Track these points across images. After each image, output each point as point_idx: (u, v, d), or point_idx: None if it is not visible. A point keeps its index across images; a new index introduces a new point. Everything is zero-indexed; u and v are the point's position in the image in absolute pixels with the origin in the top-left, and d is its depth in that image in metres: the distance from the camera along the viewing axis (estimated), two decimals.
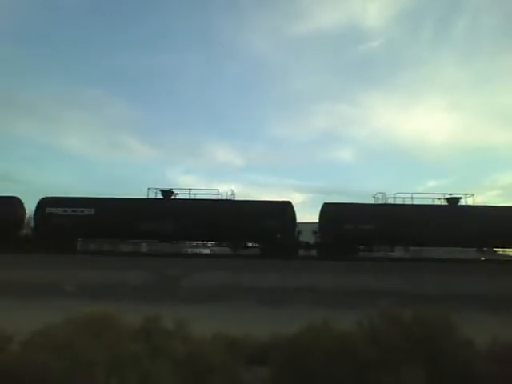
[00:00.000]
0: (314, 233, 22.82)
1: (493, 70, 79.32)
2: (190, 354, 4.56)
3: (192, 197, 23.16)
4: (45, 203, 22.38)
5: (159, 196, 23.38)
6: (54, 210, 22.04)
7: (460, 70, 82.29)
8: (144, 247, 34.68)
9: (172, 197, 23.43)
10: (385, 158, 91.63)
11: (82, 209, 22.01)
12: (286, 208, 22.20)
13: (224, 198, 23.30)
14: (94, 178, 78.60)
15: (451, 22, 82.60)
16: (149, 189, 23.18)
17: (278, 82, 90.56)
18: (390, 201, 23.22)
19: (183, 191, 23.68)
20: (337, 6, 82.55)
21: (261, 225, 21.23)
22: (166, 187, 23.48)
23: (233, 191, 23.70)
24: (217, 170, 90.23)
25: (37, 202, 22.71)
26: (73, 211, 21.95)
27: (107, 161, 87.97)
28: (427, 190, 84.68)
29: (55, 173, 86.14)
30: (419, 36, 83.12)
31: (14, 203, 23.11)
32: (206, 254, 29.22)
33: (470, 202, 23.16)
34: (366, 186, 78.87)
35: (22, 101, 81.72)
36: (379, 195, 23.46)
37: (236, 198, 23.53)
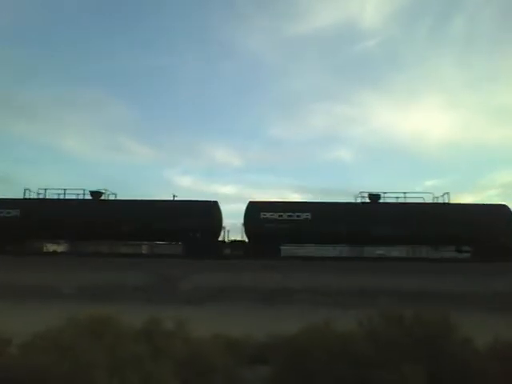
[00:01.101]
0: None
1: (491, 68, 79.46)
2: (191, 355, 4.56)
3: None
4: None
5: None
6: None
7: (458, 68, 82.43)
8: (144, 249, 34.63)
9: (102, 197, 23.33)
10: (383, 157, 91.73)
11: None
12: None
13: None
14: (92, 178, 78.51)
15: (448, 20, 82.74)
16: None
17: (275, 81, 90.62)
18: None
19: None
20: (334, 5, 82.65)
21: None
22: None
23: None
24: (215, 170, 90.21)
25: None
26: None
27: (105, 162, 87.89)
28: (426, 189, 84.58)
29: (53, 174, 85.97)
30: (416, 34, 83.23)
31: None
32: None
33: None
34: (365, 186, 78.74)
35: (20, 101, 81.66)
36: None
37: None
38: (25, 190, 22.80)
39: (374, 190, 22.85)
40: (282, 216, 21.34)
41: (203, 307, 12.23)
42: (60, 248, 27.27)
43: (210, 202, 22.71)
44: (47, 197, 23.05)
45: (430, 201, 22.65)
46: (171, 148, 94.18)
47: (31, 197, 22.98)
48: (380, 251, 31.21)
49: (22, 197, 22.92)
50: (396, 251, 31.55)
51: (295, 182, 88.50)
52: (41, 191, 22.91)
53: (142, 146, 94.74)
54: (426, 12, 79.48)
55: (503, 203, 21.98)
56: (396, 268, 17.33)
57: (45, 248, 26.68)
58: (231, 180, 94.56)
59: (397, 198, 22.27)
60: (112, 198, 23.56)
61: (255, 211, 21.75)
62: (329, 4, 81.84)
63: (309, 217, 21.21)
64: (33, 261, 18.69)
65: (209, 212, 22.03)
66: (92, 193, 23.08)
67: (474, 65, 79.40)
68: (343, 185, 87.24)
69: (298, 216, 21.33)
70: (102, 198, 23.26)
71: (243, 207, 22.71)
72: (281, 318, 9.85)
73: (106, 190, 23.31)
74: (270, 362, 4.95)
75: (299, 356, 4.53)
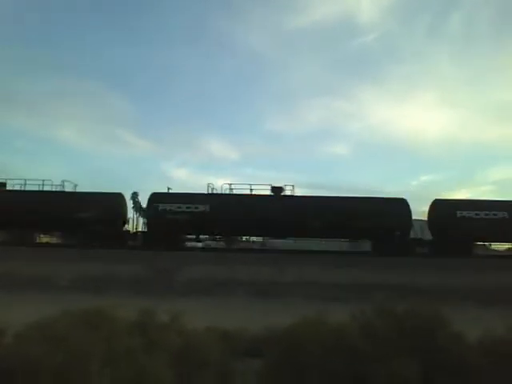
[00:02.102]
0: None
1: (487, 65, 79.55)
2: (186, 347, 4.56)
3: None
4: None
5: None
6: None
7: (455, 65, 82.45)
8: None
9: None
10: (380, 152, 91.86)
11: None
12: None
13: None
14: (90, 171, 78.13)
15: (446, 16, 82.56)
16: None
17: (273, 76, 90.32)
18: None
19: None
20: (331, 0, 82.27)
21: None
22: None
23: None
24: (212, 163, 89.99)
25: None
26: None
27: (103, 154, 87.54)
28: (421, 185, 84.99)
29: (51, 167, 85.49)
30: (414, 30, 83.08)
31: None
32: (200, 248, 29.21)
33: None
34: (361, 181, 78.96)
35: (18, 94, 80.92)
36: None
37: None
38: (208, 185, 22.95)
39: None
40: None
41: (198, 300, 12.25)
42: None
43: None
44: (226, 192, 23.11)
45: None
46: (169, 141, 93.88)
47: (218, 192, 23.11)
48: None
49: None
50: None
51: (292, 177, 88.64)
52: (225, 186, 23.00)
53: (139, 139, 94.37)
54: (423, 8, 79.33)
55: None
56: (389, 263, 17.43)
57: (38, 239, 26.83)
58: (228, 173, 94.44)
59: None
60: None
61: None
62: None
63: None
64: (30, 252, 18.62)
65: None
66: (274, 188, 22.97)
67: (472, 62, 79.58)
68: (340, 179, 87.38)
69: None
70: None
71: None
72: (275, 312, 9.88)
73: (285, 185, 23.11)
74: (263, 355, 4.97)
75: (293, 349, 4.54)
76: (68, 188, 23.82)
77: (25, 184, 23.45)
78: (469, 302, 11.72)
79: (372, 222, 20.66)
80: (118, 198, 23.14)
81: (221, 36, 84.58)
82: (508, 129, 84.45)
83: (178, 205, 21.70)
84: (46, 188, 23.43)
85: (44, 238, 27.46)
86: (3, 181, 23.84)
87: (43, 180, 23.44)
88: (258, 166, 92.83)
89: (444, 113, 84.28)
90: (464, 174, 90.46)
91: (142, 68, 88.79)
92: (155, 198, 22.46)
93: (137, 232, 23.40)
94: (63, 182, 23.76)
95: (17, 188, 23.67)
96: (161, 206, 21.73)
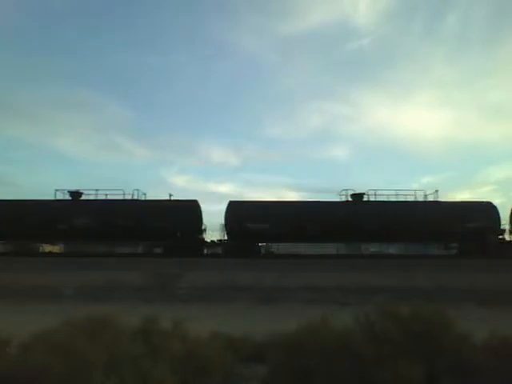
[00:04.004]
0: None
1: (484, 65, 79.70)
2: (189, 354, 4.55)
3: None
4: None
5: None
6: None
7: (452, 66, 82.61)
8: (141, 248, 34.55)
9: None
10: (379, 155, 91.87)
11: None
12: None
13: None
14: (90, 179, 78.31)
15: (441, 17, 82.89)
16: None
17: (271, 81, 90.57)
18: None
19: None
20: (327, 4, 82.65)
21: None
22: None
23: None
24: (212, 169, 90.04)
25: None
26: None
27: (102, 162, 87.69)
28: (422, 187, 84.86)
29: (50, 175, 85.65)
30: (410, 32, 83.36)
31: None
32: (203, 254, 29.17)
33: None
34: (361, 184, 78.83)
35: (16, 103, 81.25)
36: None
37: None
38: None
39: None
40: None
41: (201, 306, 12.22)
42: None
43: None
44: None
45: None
46: (168, 147, 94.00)
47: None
48: (374, 249, 31.35)
49: None
50: (393, 248, 31.58)
51: (291, 181, 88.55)
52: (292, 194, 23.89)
53: (138, 146, 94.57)
54: (419, 10, 79.68)
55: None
56: (392, 265, 17.40)
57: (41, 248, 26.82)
58: (228, 179, 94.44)
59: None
60: None
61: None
62: (323, 2, 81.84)
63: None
64: (32, 261, 18.63)
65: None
66: (354, 195, 23.38)
67: (468, 62, 79.74)
68: (339, 183, 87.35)
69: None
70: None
71: None
72: (279, 317, 9.86)
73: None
74: (268, 360, 4.95)
75: (297, 354, 4.53)
76: (135, 196, 23.57)
77: (96, 193, 23.39)
78: (472, 302, 11.66)
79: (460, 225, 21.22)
80: (195, 205, 22.85)
81: (219, 41, 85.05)
82: (508, 128, 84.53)
83: (258, 214, 21.77)
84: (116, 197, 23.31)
85: (47, 248, 27.46)
86: (78, 190, 23.67)
87: (113, 189, 23.32)
88: (257, 170, 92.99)
89: (443, 114, 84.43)
90: (465, 175, 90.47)
91: (140, 75, 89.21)
92: (234, 207, 22.48)
93: (220, 240, 23.24)
94: (135, 190, 23.53)
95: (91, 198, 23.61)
96: (240, 215, 21.79)
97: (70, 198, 23.68)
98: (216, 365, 4.55)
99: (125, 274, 15.76)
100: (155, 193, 77.37)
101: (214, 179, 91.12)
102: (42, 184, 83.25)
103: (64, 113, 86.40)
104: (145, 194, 23.78)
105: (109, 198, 23.31)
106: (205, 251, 22.96)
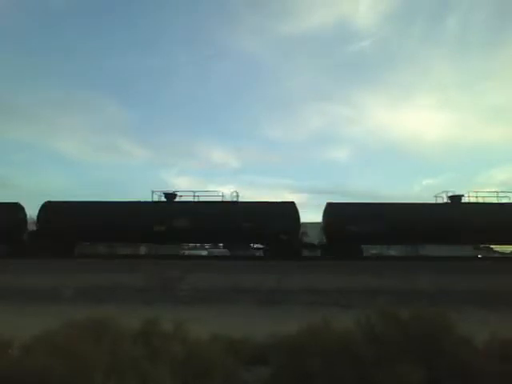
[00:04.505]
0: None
1: (484, 67, 79.81)
2: (190, 356, 4.55)
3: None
4: None
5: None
6: None
7: (453, 68, 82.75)
8: (142, 250, 34.60)
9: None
10: (380, 157, 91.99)
11: None
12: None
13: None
14: (91, 181, 78.49)
15: (442, 20, 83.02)
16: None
17: (272, 82, 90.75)
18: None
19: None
20: (328, 6, 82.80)
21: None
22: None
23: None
24: (213, 171, 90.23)
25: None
26: None
27: (103, 163, 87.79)
28: (423, 189, 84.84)
29: (51, 177, 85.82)
30: (411, 35, 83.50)
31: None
32: (204, 256, 29.22)
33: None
34: (362, 186, 78.94)
35: (17, 105, 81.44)
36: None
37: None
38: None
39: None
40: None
41: (202, 308, 12.22)
42: None
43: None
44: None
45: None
46: (168, 149, 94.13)
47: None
48: (374, 250, 31.36)
49: None
50: (393, 250, 31.60)
51: (292, 183, 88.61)
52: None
53: (138, 147, 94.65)
54: (419, 12, 79.74)
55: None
56: (396, 267, 17.37)
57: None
58: (228, 181, 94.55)
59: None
60: None
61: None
62: (322, 5, 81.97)
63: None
64: (32, 263, 18.65)
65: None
66: (452, 197, 23.18)
67: (469, 65, 79.79)
68: (341, 184, 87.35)
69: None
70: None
71: None
72: (280, 319, 9.86)
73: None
74: (269, 362, 4.95)
75: (298, 356, 4.53)
76: (228, 198, 23.28)
77: (194, 195, 23.04)
78: (473, 304, 11.64)
79: None
80: (293, 207, 22.61)
81: (219, 42, 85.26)
82: (508, 130, 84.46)
83: (359, 216, 21.59)
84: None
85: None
86: (174, 192, 23.44)
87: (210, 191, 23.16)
88: (258, 172, 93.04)
89: (443, 116, 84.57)
90: (466, 177, 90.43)
91: (139, 76, 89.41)
92: (333, 208, 22.34)
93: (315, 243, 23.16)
94: (234, 192, 23.27)
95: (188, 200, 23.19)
96: (340, 217, 21.66)
97: (165, 199, 23.39)
98: (217, 367, 4.55)
99: (126, 276, 15.77)
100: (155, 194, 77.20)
101: (215, 181, 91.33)
102: (42, 185, 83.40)
103: (64, 114, 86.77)
104: (237, 196, 23.42)
105: (202, 199, 23.07)
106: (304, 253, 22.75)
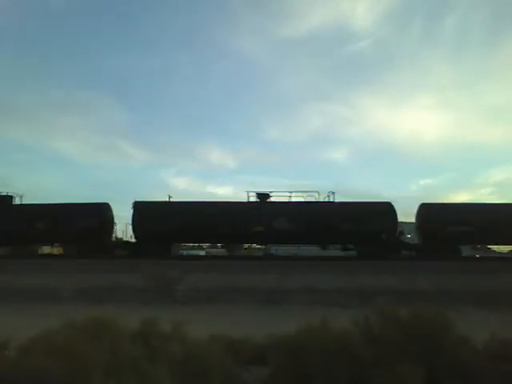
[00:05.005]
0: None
1: (483, 68, 79.90)
2: (189, 356, 4.54)
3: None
4: None
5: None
6: None
7: (452, 68, 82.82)
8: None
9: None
10: (378, 157, 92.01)
11: None
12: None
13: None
14: (91, 181, 78.45)
15: (441, 20, 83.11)
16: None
17: (270, 83, 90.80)
18: None
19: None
20: (327, 6, 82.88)
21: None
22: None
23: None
24: (211, 172, 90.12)
25: None
26: None
27: (102, 164, 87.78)
28: (420, 189, 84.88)
29: (50, 178, 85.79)
30: (409, 35, 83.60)
31: None
32: (203, 256, 29.21)
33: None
34: (361, 186, 78.92)
35: (14, 104, 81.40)
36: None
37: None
38: None
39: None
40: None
41: (201, 308, 12.21)
42: None
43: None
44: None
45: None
46: (166, 150, 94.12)
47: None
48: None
49: None
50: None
51: (290, 183, 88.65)
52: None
53: (138, 148, 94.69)
54: (418, 12, 79.85)
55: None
56: (394, 267, 17.36)
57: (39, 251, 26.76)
58: (227, 181, 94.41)
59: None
60: None
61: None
62: (320, 5, 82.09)
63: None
64: (31, 263, 18.63)
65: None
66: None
67: (468, 65, 79.89)
68: (339, 185, 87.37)
69: None
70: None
71: None
72: (279, 319, 9.85)
73: None
74: (268, 362, 4.94)
75: (297, 356, 4.52)
76: (320, 198, 22.86)
77: (290, 195, 22.59)
78: (472, 304, 11.64)
79: None
80: (390, 206, 22.30)
81: (219, 44, 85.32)
82: (507, 130, 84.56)
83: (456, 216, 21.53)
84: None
85: (46, 250, 27.45)
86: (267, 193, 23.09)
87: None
88: (256, 172, 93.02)
89: (442, 116, 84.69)
90: (464, 177, 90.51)
91: (139, 77, 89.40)
92: (430, 209, 22.25)
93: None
94: (330, 192, 22.84)
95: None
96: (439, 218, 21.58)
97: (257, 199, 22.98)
98: (215, 367, 4.54)
99: (125, 276, 15.75)
100: (155, 195, 77.35)
101: (213, 181, 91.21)
102: (42, 186, 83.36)
103: (64, 115, 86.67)
104: (333, 195, 22.91)
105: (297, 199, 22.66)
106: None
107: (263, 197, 22.78)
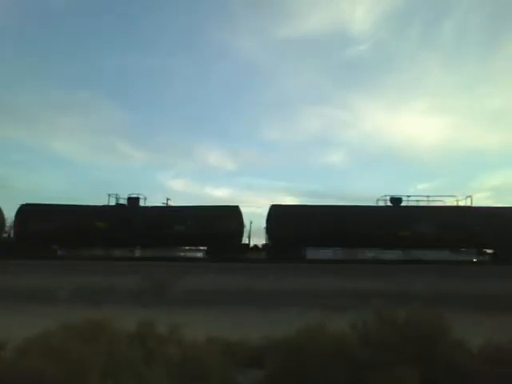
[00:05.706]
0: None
1: (480, 72, 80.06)
2: (185, 358, 4.55)
3: None
4: None
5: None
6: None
7: (449, 72, 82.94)
8: (138, 252, 34.27)
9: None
10: (375, 160, 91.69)
11: None
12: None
13: None
14: (91, 181, 78.08)
15: (439, 23, 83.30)
16: None
17: (269, 85, 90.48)
18: None
19: None
20: (326, 9, 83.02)
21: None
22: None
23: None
24: (209, 173, 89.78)
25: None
26: None
27: (102, 165, 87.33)
28: (417, 193, 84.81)
29: (49, 178, 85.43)
30: (408, 38, 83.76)
31: None
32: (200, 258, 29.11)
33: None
34: (358, 189, 78.72)
35: (13, 104, 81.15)
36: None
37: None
38: None
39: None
40: None
41: (198, 310, 12.19)
42: None
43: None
44: None
45: None
46: (164, 151, 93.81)
47: None
48: (371, 254, 31.25)
49: None
50: (390, 254, 31.37)
51: (289, 186, 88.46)
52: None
53: (136, 149, 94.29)
54: (416, 16, 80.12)
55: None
56: (391, 270, 17.39)
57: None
58: (224, 183, 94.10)
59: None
60: None
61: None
62: (320, 8, 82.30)
63: None
64: (31, 264, 18.56)
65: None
66: None
67: (466, 68, 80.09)
68: (337, 188, 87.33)
69: None
70: None
71: None
72: (276, 321, 9.84)
73: None
74: (265, 364, 4.94)
75: (294, 358, 4.53)
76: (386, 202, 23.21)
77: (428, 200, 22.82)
78: (468, 308, 11.66)
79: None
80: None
81: (219, 44, 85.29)
82: (505, 134, 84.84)
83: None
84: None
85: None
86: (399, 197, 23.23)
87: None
88: (255, 175, 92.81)
89: (440, 120, 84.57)
90: (460, 181, 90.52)
91: (138, 77, 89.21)
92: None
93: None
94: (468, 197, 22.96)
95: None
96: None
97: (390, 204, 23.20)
98: (212, 369, 4.54)
99: (123, 278, 15.72)
100: (154, 196, 77.14)
101: (211, 183, 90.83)
102: (41, 186, 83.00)
103: (64, 115, 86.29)
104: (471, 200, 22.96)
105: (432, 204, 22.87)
106: None
107: (396, 201, 23.17)
